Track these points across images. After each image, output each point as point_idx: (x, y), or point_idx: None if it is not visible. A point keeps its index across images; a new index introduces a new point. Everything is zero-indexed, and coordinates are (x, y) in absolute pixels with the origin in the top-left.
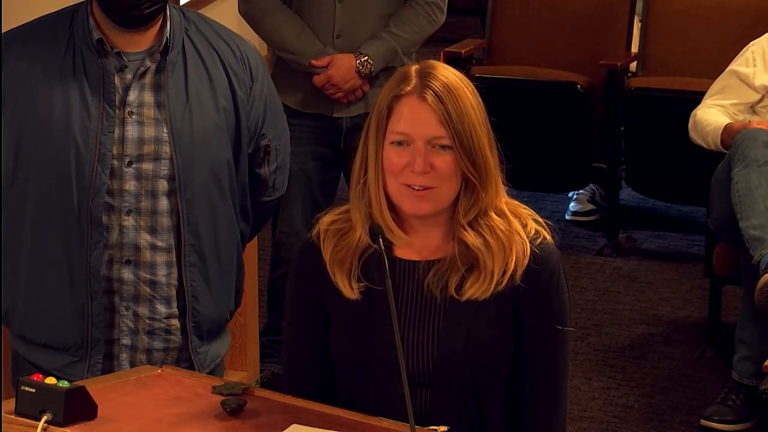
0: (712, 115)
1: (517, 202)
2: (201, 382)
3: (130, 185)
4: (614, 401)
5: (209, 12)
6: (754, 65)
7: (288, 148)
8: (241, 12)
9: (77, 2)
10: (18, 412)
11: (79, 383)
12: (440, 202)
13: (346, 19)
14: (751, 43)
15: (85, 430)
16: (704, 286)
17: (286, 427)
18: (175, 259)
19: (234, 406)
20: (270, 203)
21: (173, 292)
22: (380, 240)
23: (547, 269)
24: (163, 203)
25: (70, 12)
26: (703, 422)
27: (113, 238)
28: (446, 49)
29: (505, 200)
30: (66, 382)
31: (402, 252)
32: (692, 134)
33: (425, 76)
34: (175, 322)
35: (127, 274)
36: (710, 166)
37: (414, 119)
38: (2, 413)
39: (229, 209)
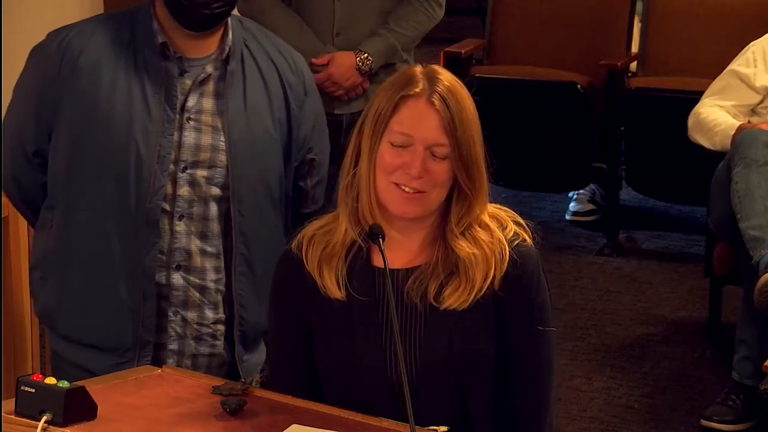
0: (720, 114)
1: (497, 205)
2: (201, 382)
3: (184, 191)
4: (614, 401)
5: None
6: (755, 66)
7: (327, 162)
8: (241, 11)
9: (132, 6)
10: (18, 412)
11: (79, 383)
12: (427, 207)
13: (345, 16)
14: (751, 43)
15: (85, 430)
16: (704, 286)
17: (286, 427)
18: (223, 265)
19: (234, 406)
20: (310, 216)
21: (220, 298)
22: (380, 240)
23: (526, 272)
24: (214, 209)
25: (128, 14)
26: (703, 422)
27: (165, 243)
28: (446, 49)
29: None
30: (66, 382)
31: (380, 260)
32: (693, 134)
33: (433, 80)
34: (221, 327)
35: (177, 279)
36: (710, 166)
37: (419, 122)
38: (2, 413)
39: (279, 221)
